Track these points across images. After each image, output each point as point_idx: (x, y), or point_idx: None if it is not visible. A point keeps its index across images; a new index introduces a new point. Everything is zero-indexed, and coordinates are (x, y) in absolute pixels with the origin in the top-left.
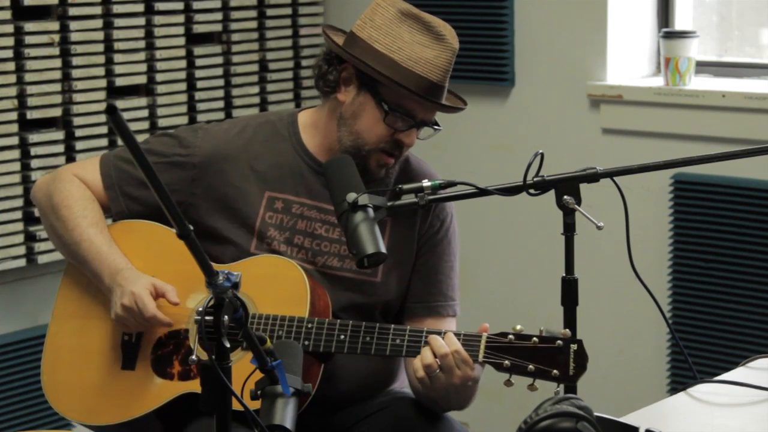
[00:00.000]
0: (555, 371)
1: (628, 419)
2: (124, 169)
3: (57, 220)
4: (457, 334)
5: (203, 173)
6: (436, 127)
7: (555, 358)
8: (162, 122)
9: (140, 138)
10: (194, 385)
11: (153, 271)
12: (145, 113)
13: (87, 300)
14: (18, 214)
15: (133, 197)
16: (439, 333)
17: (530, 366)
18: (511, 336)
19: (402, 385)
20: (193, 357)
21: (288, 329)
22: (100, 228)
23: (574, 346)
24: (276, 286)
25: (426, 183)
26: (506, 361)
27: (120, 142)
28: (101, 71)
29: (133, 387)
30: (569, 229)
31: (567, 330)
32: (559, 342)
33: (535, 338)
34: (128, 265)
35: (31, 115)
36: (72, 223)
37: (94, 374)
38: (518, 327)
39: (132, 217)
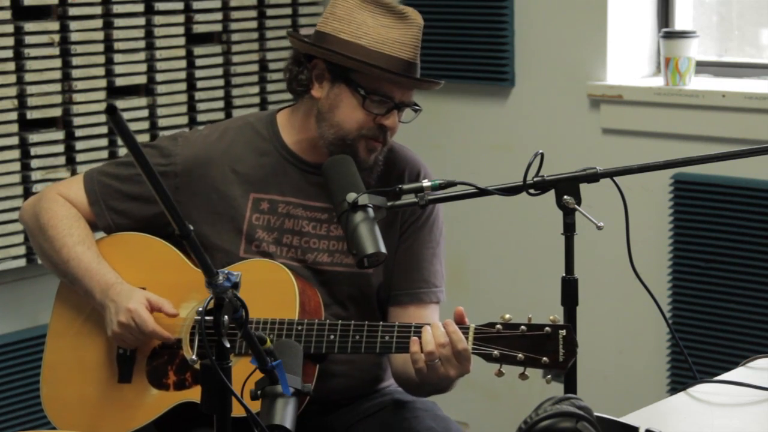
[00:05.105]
0: (545, 358)
1: (628, 419)
2: (107, 183)
3: (45, 240)
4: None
5: (186, 180)
6: (416, 107)
7: (544, 345)
8: (162, 122)
9: (140, 138)
10: (190, 394)
11: (144, 282)
12: (145, 113)
13: (81, 316)
14: (18, 214)
15: (119, 211)
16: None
17: (519, 355)
18: (498, 326)
19: None
20: (193, 357)
21: (278, 332)
22: (88, 245)
23: (562, 332)
24: (265, 289)
25: (426, 183)
26: (495, 352)
27: (120, 141)
28: (101, 71)
29: (130, 399)
30: (569, 229)
31: (555, 316)
32: (548, 329)
33: (523, 327)
34: (118, 280)
35: (31, 115)
36: (59, 242)
37: (92, 389)
38: (507, 316)
39: (119, 231)
